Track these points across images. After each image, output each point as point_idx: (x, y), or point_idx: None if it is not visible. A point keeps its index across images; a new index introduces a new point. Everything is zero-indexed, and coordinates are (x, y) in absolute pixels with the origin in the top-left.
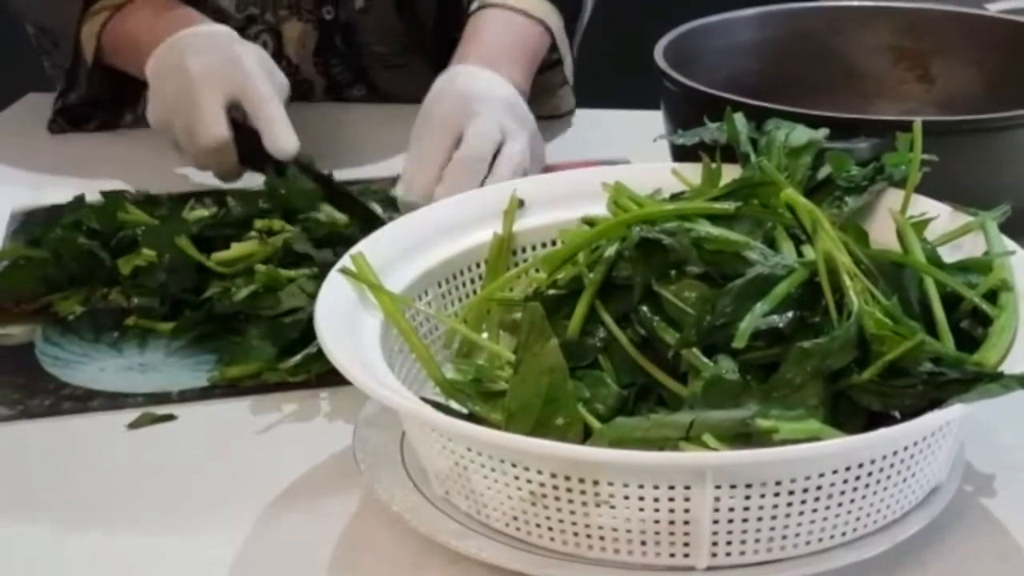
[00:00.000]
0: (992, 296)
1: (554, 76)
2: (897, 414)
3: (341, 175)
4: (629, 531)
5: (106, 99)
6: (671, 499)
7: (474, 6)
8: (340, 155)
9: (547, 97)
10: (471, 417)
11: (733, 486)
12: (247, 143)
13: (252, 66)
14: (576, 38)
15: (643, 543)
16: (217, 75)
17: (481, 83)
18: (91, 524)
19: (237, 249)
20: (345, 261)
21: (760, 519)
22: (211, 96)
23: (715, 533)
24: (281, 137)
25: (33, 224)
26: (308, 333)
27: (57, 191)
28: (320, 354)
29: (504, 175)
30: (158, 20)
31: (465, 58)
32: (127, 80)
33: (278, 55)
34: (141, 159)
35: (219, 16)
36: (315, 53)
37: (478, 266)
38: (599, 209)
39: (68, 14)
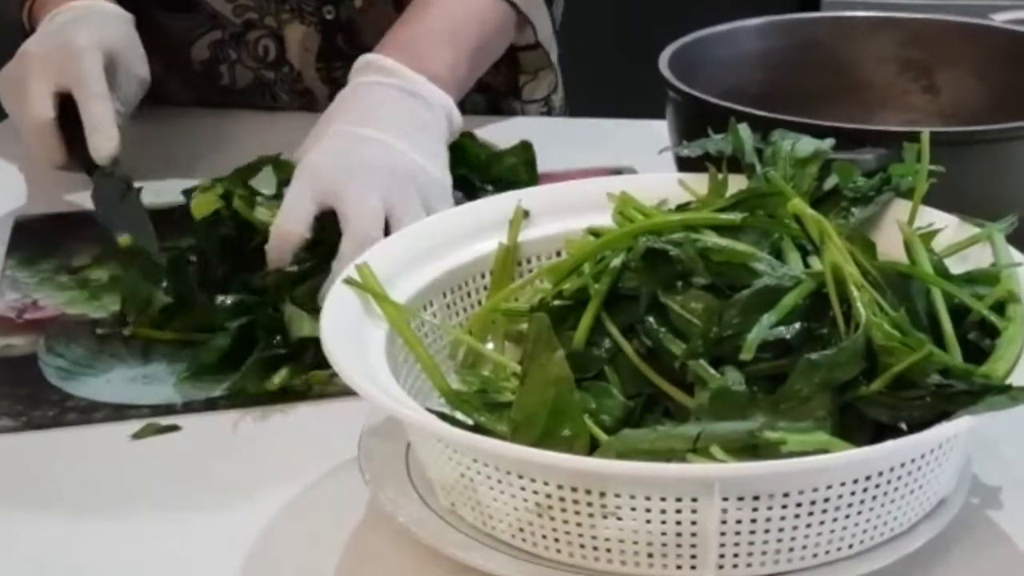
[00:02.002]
0: (1000, 308)
1: (530, 60)
2: (905, 426)
3: None
4: (636, 543)
5: None
6: (678, 511)
7: None
8: None
9: (527, 80)
10: (477, 428)
11: (740, 498)
12: (82, 140)
13: (88, 58)
14: (557, 8)
15: (650, 555)
16: (51, 61)
17: (371, 144)
18: (95, 535)
19: None
20: (350, 271)
21: (767, 531)
22: (40, 80)
23: (722, 545)
24: (101, 139)
25: (35, 232)
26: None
27: (60, 199)
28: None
29: None
30: None
31: (391, 43)
32: None
33: (280, 61)
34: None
35: (216, 21)
36: (318, 58)
37: (483, 277)
38: (605, 220)
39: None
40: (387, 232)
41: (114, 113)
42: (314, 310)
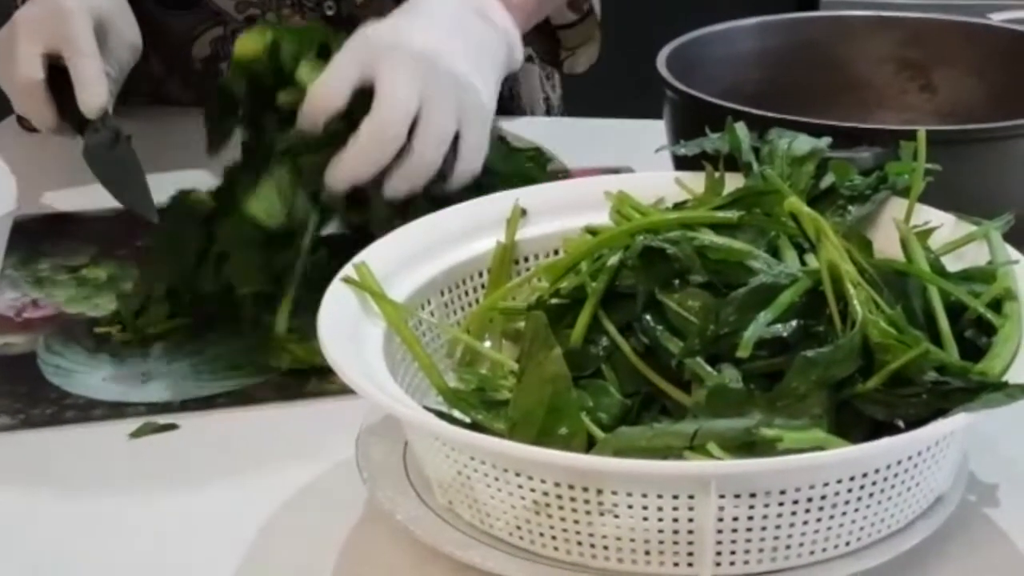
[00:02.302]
0: (996, 305)
1: (570, 36)
2: (901, 423)
3: None
4: (633, 540)
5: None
6: (675, 508)
7: None
8: None
9: (567, 56)
10: (474, 426)
11: (737, 495)
12: (73, 101)
13: (77, 20)
14: None
15: (647, 552)
16: (41, 24)
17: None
18: (93, 534)
19: None
20: (348, 270)
21: (764, 528)
22: (29, 42)
23: (719, 543)
24: (88, 92)
25: (34, 232)
26: None
27: (60, 198)
28: None
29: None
30: None
31: None
32: None
33: None
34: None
35: (219, 17)
36: (318, 54)
37: (481, 275)
38: (602, 218)
39: None
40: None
41: (103, 71)
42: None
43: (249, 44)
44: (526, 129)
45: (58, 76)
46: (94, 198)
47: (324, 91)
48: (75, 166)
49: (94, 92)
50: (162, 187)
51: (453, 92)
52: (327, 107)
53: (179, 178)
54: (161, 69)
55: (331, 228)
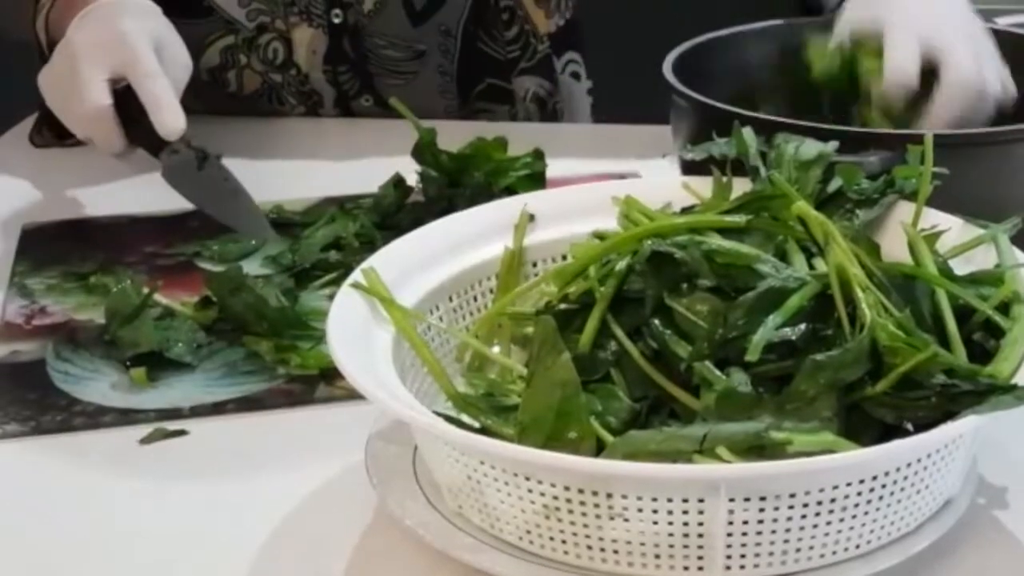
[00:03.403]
0: (1004, 308)
1: None
2: (910, 426)
3: (351, 188)
4: (643, 544)
5: None
6: (685, 512)
7: None
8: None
9: None
10: (483, 431)
11: (747, 499)
12: (140, 123)
13: (139, 41)
14: None
15: (657, 556)
16: (102, 48)
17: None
18: (103, 539)
19: None
20: (357, 275)
21: (774, 531)
22: (93, 67)
23: (729, 546)
24: (166, 115)
25: (43, 240)
26: None
27: (67, 207)
28: None
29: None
30: (85, 2)
31: None
32: None
33: (288, 63)
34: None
35: (231, 27)
36: (325, 60)
37: (489, 280)
38: (610, 223)
39: (25, 15)
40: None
41: (175, 91)
42: None
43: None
44: (532, 134)
45: (119, 100)
46: (102, 206)
47: (902, 73)
48: (83, 174)
49: (172, 114)
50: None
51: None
52: (908, 84)
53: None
54: None
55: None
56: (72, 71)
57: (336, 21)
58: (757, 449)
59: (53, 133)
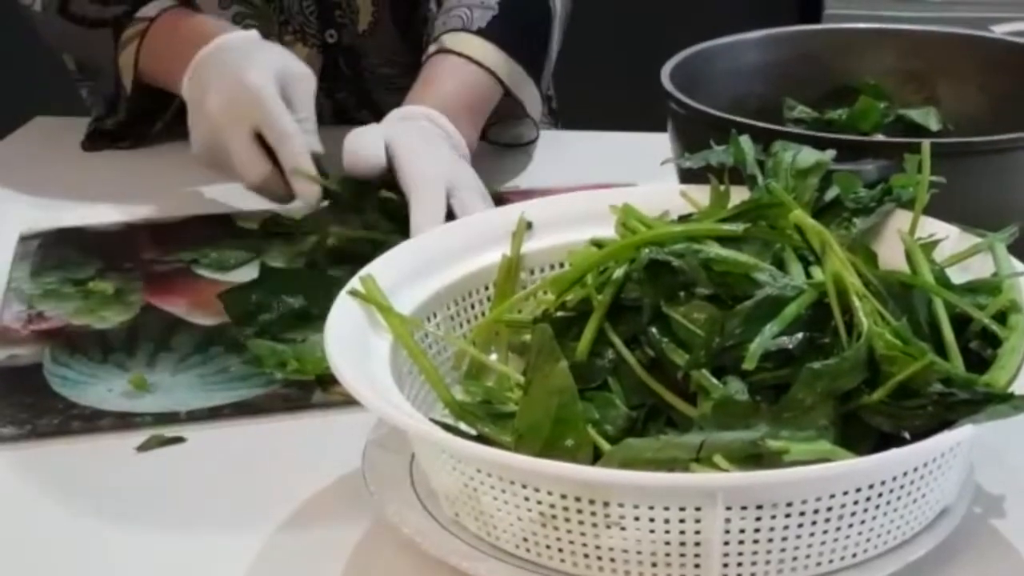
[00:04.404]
0: (1001, 317)
1: (519, 109)
2: (907, 435)
3: None
4: (640, 552)
5: (141, 117)
6: (681, 520)
7: (431, 49)
8: None
9: (510, 127)
10: (480, 439)
11: (744, 507)
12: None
13: (269, 97)
14: (545, 71)
15: (653, 564)
16: (235, 110)
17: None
18: (99, 546)
19: None
20: (354, 283)
21: (771, 540)
22: (239, 136)
23: (726, 555)
24: (302, 183)
25: (40, 246)
26: None
27: (66, 214)
28: None
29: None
30: (176, 38)
31: (420, 102)
32: (162, 95)
33: None
34: (149, 179)
35: None
36: (321, 78)
37: (487, 288)
38: (607, 231)
39: (104, 47)
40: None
41: (308, 150)
42: None
43: None
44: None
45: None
46: (100, 212)
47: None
48: (83, 185)
49: (306, 182)
50: (177, 206)
51: None
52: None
53: (185, 184)
54: (170, 97)
55: None
56: (219, 145)
57: (331, 41)
58: (754, 458)
59: (106, 140)
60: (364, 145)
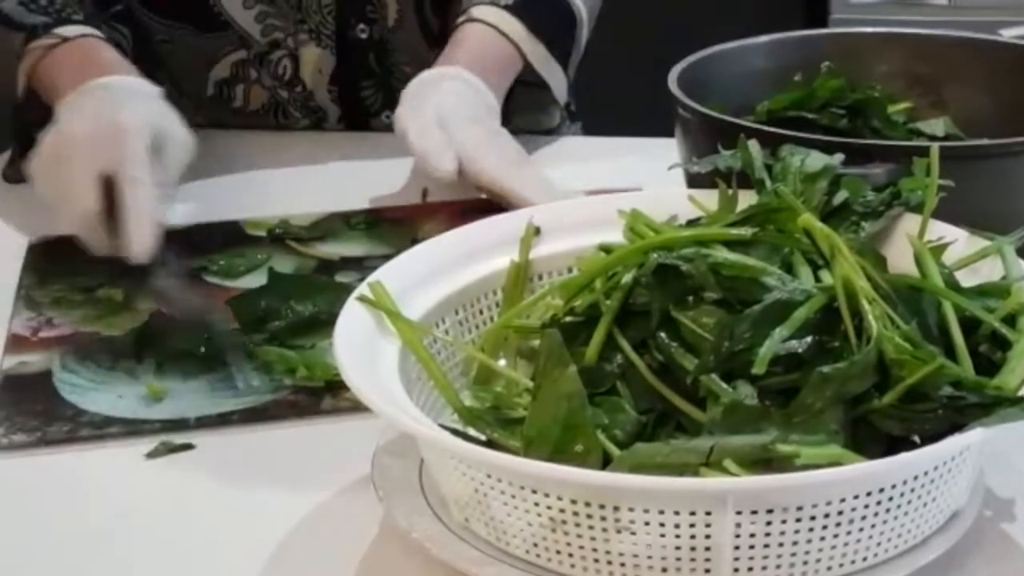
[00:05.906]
0: (1011, 320)
1: (544, 96)
2: (917, 439)
3: (357, 203)
4: (650, 557)
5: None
6: (692, 525)
7: (460, 20)
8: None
9: (532, 112)
10: (490, 444)
11: (754, 511)
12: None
13: (133, 139)
14: (573, 56)
15: (664, 570)
16: (94, 143)
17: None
18: (109, 552)
19: None
20: (363, 289)
21: (781, 544)
22: (84, 166)
23: (736, 559)
24: (134, 236)
25: (49, 254)
26: None
27: None
28: None
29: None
30: (81, 61)
31: (453, 62)
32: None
33: (294, 80)
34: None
35: (243, 42)
36: (331, 81)
37: (495, 293)
38: (615, 236)
39: (17, 51)
40: None
41: (154, 204)
42: None
43: None
44: (536, 149)
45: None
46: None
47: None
48: None
49: (140, 237)
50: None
51: None
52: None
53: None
54: (174, 91)
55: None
56: (63, 166)
57: (362, 36)
58: (764, 462)
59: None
60: (435, 152)
